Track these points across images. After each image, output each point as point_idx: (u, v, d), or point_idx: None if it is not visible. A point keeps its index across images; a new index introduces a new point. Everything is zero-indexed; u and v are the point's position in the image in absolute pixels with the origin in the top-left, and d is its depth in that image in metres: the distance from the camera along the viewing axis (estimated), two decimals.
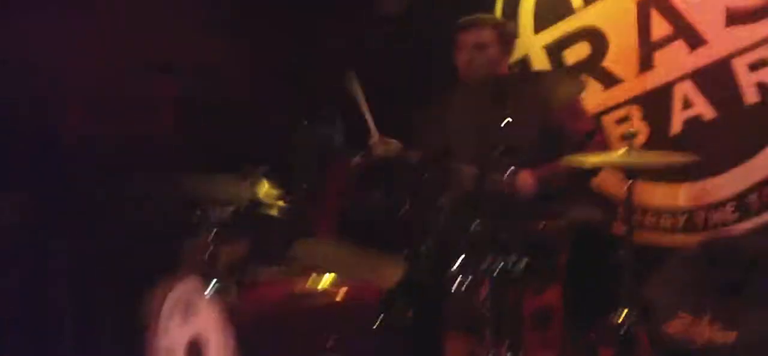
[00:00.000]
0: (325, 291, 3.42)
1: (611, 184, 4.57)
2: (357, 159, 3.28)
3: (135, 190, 4.82)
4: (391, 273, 3.24)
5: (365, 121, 4.18)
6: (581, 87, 3.89)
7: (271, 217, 3.57)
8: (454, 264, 3.25)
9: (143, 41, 5.32)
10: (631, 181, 3.52)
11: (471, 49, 4.16)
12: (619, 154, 3.56)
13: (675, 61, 4.43)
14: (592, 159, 3.67)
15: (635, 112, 4.58)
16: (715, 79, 4.31)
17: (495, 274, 3.26)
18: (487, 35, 4.16)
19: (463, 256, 3.24)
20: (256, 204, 3.63)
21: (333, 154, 3.52)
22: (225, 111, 5.37)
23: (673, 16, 4.44)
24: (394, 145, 4.16)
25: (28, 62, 4.93)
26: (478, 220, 3.25)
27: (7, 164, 4.79)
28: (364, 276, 3.38)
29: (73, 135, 5.17)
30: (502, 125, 3.25)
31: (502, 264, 3.27)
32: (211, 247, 3.67)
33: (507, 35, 4.27)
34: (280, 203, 3.52)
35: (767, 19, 4.13)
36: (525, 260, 3.27)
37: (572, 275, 3.84)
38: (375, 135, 4.15)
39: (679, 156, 3.96)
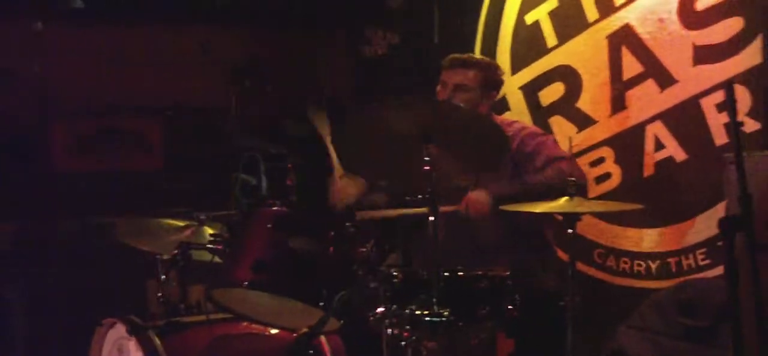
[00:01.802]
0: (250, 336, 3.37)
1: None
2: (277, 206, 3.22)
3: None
4: (311, 321, 3.15)
5: (329, 156, 4.11)
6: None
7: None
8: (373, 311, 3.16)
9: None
10: (571, 230, 3.37)
11: (451, 90, 4.08)
12: (561, 203, 3.42)
13: (646, 100, 4.29)
14: (534, 208, 3.53)
15: (608, 153, 4.44)
16: (686, 119, 4.16)
17: (417, 322, 3.16)
18: (470, 77, 4.08)
19: (381, 307, 3.15)
20: (192, 247, 3.59)
21: (256, 201, 3.47)
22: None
23: (644, 54, 4.30)
24: (361, 182, 4.09)
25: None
26: (395, 268, 3.15)
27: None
28: (286, 324, 3.31)
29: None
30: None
31: (425, 312, 3.17)
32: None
33: (491, 80, 4.17)
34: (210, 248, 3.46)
35: (733, 58, 3.96)
36: (447, 309, 3.15)
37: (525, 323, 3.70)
38: (339, 171, 4.09)
39: (622, 205, 3.82)
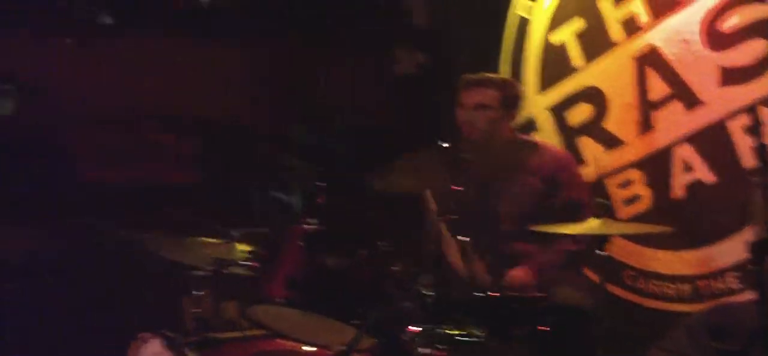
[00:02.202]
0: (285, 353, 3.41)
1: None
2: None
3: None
4: (345, 338, 3.19)
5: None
6: None
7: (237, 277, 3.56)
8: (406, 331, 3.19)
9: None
10: (602, 252, 3.39)
11: (472, 110, 4.07)
12: (591, 225, 3.44)
13: (673, 122, 4.30)
14: (565, 229, 3.55)
15: (637, 176, 4.46)
16: (713, 141, 4.17)
17: (451, 342, 3.19)
18: (489, 96, 4.05)
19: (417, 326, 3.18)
20: (226, 264, 3.62)
21: (289, 218, 3.51)
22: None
23: (670, 75, 4.31)
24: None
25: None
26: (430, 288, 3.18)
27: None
28: (320, 341, 3.35)
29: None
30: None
31: (459, 332, 3.21)
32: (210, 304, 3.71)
33: (511, 97, 4.15)
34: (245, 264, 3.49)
35: (759, 79, 3.97)
36: (482, 330, 3.19)
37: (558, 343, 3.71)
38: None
39: (649, 227, 3.82)
